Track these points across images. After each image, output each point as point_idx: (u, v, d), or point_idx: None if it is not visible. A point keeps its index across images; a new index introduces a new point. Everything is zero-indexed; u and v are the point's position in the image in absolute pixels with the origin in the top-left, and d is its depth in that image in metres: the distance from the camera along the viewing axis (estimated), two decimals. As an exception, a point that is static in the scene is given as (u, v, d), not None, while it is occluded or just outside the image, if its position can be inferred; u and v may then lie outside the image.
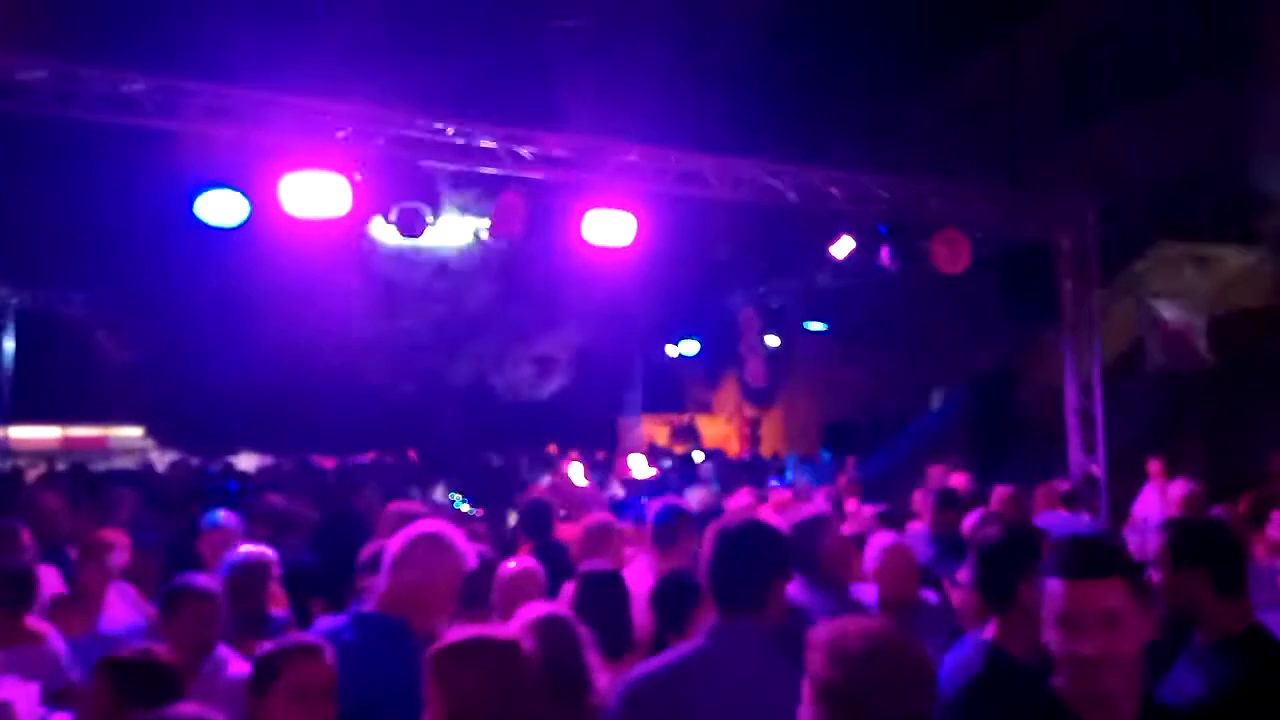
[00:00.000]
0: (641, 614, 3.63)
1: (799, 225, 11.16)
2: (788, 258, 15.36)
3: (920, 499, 6.76)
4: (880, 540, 4.37)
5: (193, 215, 7.60)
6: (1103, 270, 10.83)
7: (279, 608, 4.38)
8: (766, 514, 5.92)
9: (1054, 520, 7.10)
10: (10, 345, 16.15)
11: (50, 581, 4.46)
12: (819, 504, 8.19)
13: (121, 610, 4.48)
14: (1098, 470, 10.02)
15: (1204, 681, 2.67)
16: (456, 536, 3.08)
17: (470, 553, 3.13)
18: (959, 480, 8.41)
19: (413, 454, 15.90)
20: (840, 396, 19.94)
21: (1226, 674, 2.65)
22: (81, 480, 10.15)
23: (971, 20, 16.02)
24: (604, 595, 3.50)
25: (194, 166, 7.46)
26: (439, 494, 11.37)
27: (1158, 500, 8.20)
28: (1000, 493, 6.44)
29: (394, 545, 3.00)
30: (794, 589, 3.66)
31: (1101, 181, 13.01)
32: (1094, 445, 10.27)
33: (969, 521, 5.15)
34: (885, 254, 9.91)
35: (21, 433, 18.19)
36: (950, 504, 5.87)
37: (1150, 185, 14.96)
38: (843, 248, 10.12)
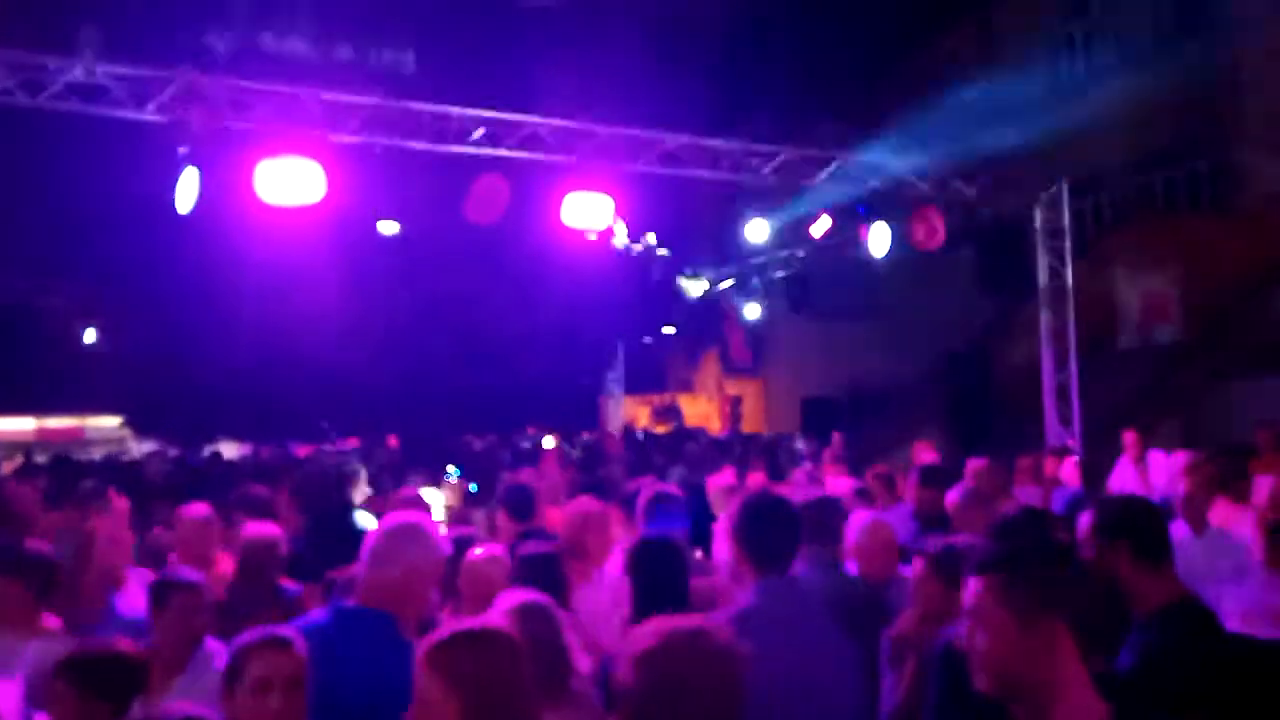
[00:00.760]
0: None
1: (777, 204, 11.18)
2: (765, 236, 15.39)
3: (872, 479, 6.76)
4: (860, 518, 4.42)
5: (168, 205, 7.53)
6: (1078, 244, 10.93)
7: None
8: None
9: (1030, 494, 7.20)
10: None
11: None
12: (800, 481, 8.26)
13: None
14: (1074, 443, 10.16)
15: (1133, 654, 2.73)
16: (432, 526, 3.11)
17: (445, 541, 3.17)
18: (932, 456, 8.47)
19: (393, 440, 15.86)
20: (819, 374, 20.05)
21: (1152, 645, 2.71)
22: (65, 471, 10.05)
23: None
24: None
25: (169, 156, 7.39)
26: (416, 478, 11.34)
27: (1133, 472, 8.31)
28: (974, 465, 6.48)
29: (370, 539, 3.02)
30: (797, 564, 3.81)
31: (1076, 155, 13.09)
32: (1070, 419, 10.40)
33: (950, 498, 5.21)
34: (864, 233, 9.96)
35: (-4, 424, 18.03)
36: (931, 480, 5.93)
37: (1125, 158, 15.07)
38: (820, 226, 10.17)
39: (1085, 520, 2.98)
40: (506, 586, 3.32)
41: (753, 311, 15.12)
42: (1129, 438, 8.48)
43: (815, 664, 2.83)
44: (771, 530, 2.98)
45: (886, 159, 9.89)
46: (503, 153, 8.48)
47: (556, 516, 5.60)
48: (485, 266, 18.04)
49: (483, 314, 20.19)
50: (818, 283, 13.79)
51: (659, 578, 3.33)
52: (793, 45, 16.07)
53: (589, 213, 8.45)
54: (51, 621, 3.85)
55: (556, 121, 8.63)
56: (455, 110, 8.25)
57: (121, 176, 10.70)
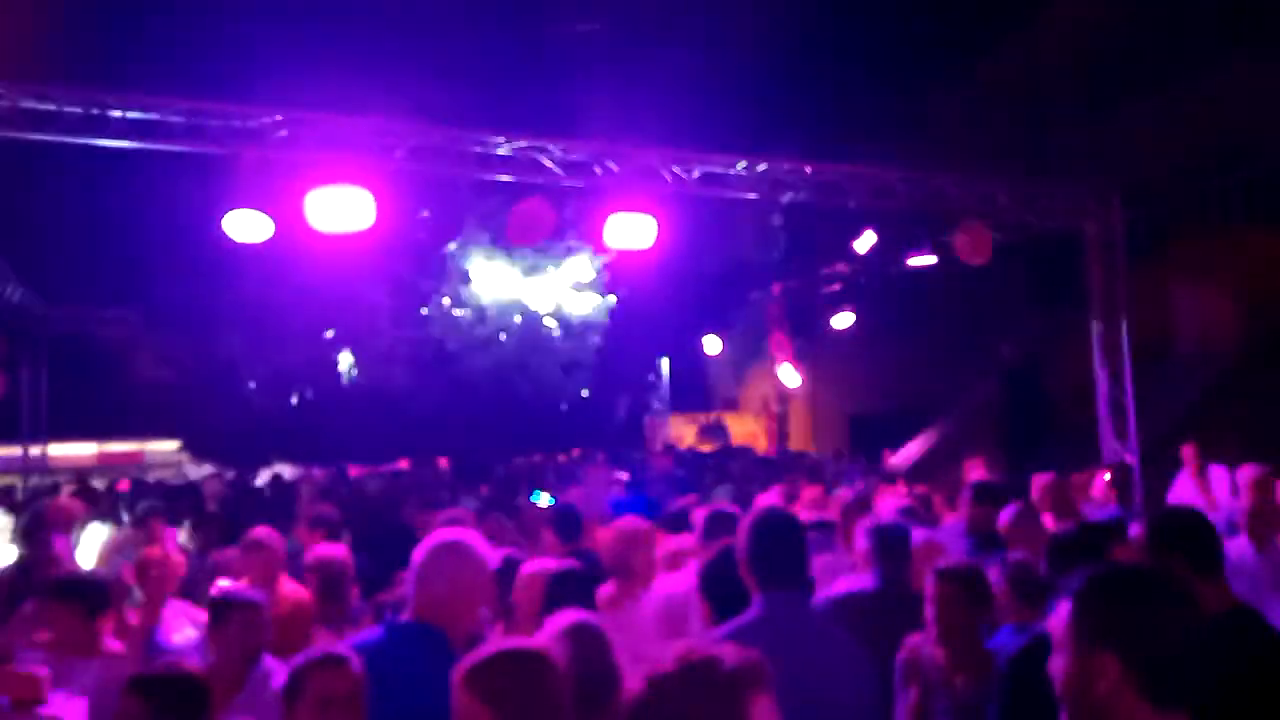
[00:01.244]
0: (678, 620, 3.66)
1: (822, 220, 11.16)
2: (811, 253, 15.34)
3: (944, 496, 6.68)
4: (913, 537, 4.37)
5: (221, 234, 7.73)
6: (1131, 255, 10.73)
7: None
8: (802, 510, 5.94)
9: (1089, 511, 7.05)
10: (46, 368, 16.47)
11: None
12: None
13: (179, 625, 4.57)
14: (1131, 458, 9.93)
15: None
16: (478, 542, 3.13)
17: (493, 557, 3.19)
18: (983, 474, 8.33)
19: (443, 462, 16.01)
20: (867, 391, 19.85)
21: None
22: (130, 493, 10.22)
23: (990, 7, 15.90)
24: None
25: (221, 187, 7.59)
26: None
27: (1193, 487, 8.10)
28: (1040, 481, 6.35)
29: (419, 556, 3.05)
30: (865, 579, 3.82)
31: (1128, 165, 12.87)
32: (1126, 433, 10.17)
33: (1005, 516, 5.12)
34: (911, 248, 9.89)
35: (59, 450, 18.52)
36: (984, 498, 5.84)
37: (1178, 167, 14.77)
38: (865, 242, 10.11)
39: (1137, 532, 2.97)
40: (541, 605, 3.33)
41: (799, 336, 15.03)
42: (1188, 452, 8.28)
43: (824, 677, 2.80)
44: (775, 546, 2.97)
45: (931, 174, 9.82)
46: (546, 176, 8.57)
47: (604, 536, 5.61)
48: (530, 289, 18.21)
49: (528, 336, 20.35)
50: (864, 298, 13.70)
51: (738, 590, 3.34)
52: (833, 62, 16.05)
53: (631, 233, 8.49)
54: (111, 643, 3.94)
55: (598, 144, 8.71)
56: (499, 135, 8.36)
57: (177, 209, 11.01)
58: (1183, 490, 8.18)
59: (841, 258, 12.10)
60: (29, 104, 7.30)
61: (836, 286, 13.54)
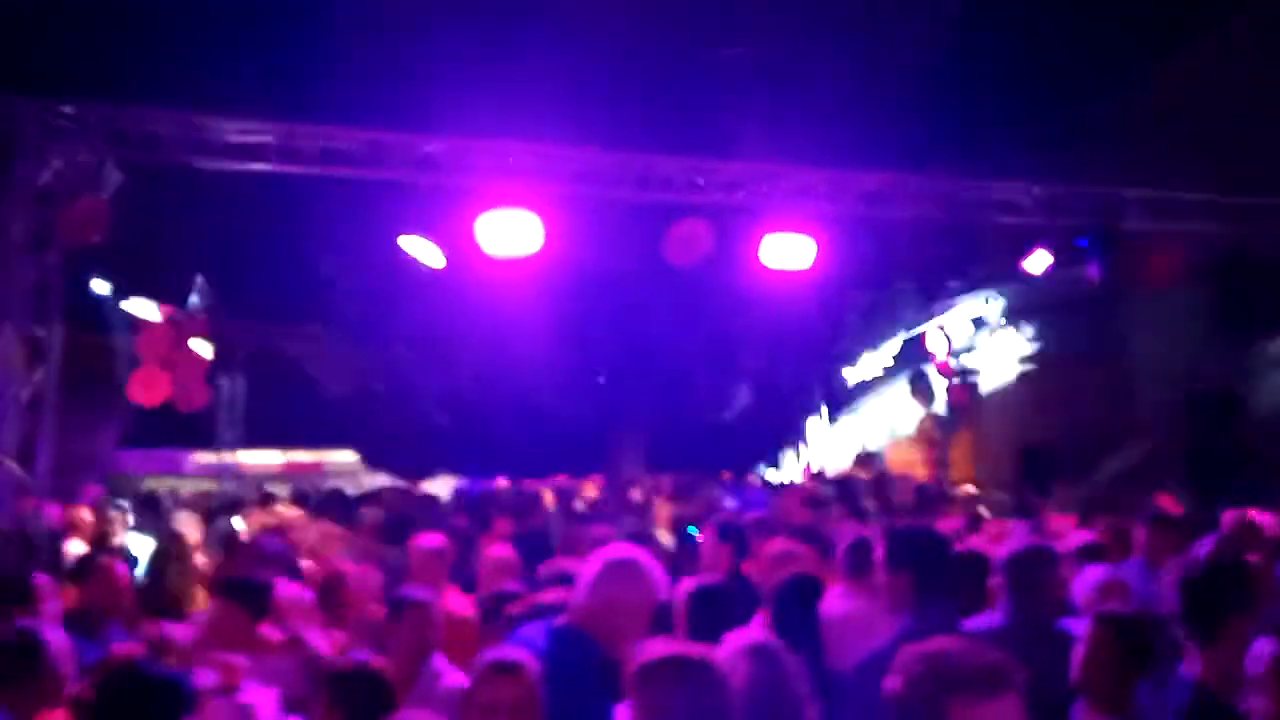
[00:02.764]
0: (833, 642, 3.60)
1: (990, 240, 10.73)
2: (979, 274, 14.76)
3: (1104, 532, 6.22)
4: (1093, 574, 4.13)
5: (398, 255, 8.20)
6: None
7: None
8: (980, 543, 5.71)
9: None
10: (243, 381, 17.93)
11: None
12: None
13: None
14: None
15: None
16: (651, 564, 3.13)
17: (664, 582, 3.17)
18: (1172, 509, 7.75)
19: (597, 479, 16.32)
20: (1037, 420, 18.85)
21: None
22: (335, 502, 10.72)
23: (1173, 15, 14.90)
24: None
25: (398, 211, 8.05)
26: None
27: None
28: (1232, 518, 5.84)
29: (590, 567, 3.11)
30: (996, 614, 3.63)
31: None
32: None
33: (1196, 553, 4.77)
34: (1090, 268, 9.38)
35: (249, 458, 19.99)
36: (1169, 534, 5.44)
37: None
38: (1038, 262, 9.66)
39: None
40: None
41: (965, 360, 14.49)
42: None
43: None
44: (927, 559, 3.05)
45: (1110, 189, 9.30)
46: (704, 196, 8.65)
47: (760, 559, 5.56)
48: (688, 310, 18.33)
49: (684, 356, 20.48)
50: (1034, 322, 13.07)
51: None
52: (996, 76, 15.45)
53: (789, 254, 8.44)
54: (273, 641, 4.19)
55: (756, 165, 8.73)
56: (659, 158, 8.52)
57: (358, 231, 11.72)
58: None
59: (1010, 278, 11.58)
60: (233, 137, 7.99)
61: (1001, 308, 12.96)
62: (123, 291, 12.42)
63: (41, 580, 4.28)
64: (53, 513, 7.83)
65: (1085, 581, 4.02)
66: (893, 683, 1.75)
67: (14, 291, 8.01)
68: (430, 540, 5.21)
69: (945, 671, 1.67)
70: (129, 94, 8.74)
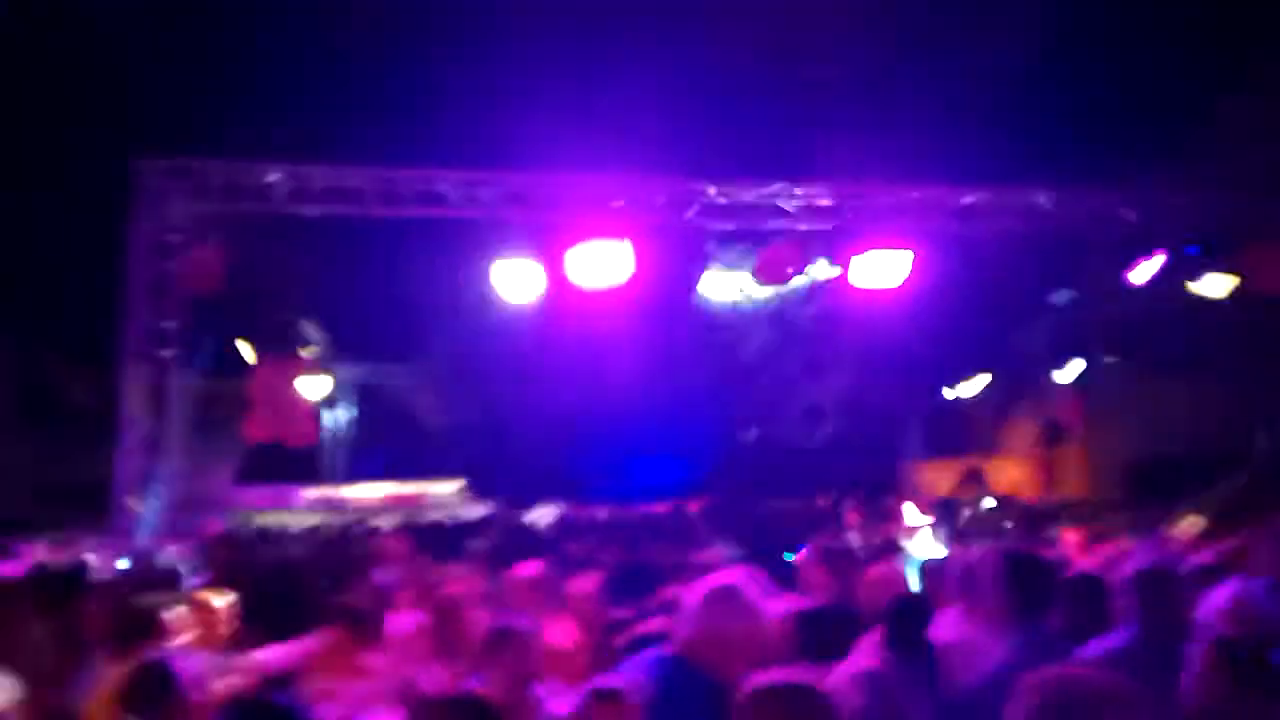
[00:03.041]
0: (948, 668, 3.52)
1: (1095, 250, 10.37)
2: (1084, 284, 14.27)
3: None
4: (1219, 595, 3.93)
5: (492, 291, 8.41)
6: None
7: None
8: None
9: None
10: (348, 416, 18.59)
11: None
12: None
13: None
14: None
15: None
16: (754, 591, 3.10)
17: (770, 608, 3.13)
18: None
19: (694, 506, 16.27)
20: (1150, 435, 18.03)
21: None
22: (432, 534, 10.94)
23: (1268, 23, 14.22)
24: None
25: (493, 247, 8.27)
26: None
27: None
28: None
29: (693, 595, 3.10)
30: (1119, 636, 3.51)
31: None
32: None
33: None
34: (1202, 275, 9.00)
35: (354, 491, 20.63)
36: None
37: None
38: (1147, 269, 9.31)
39: None
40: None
41: (1073, 369, 13.99)
42: None
43: None
44: (1033, 580, 3.03)
45: (1220, 197, 8.92)
46: (791, 219, 8.63)
47: (867, 581, 5.46)
48: (780, 332, 18.23)
49: (778, 379, 20.35)
50: (1145, 332, 12.55)
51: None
52: (1095, 83, 14.98)
53: (880, 273, 8.34)
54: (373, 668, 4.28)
55: (847, 185, 8.67)
56: (744, 183, 8.54)
57: (454, 269, 12.05)
58: None
59: (1118, 287, 11.16)
60: (333, 183, 8.35)
61: (1112, 318, 12.48)
62: (235, 336, 13.04)
63: (168, 615, 4.48)
64: (177, 549, 8.21)
65: (1210, 602, 3.82)
66: (1016, 710, 1.73)
67: (136, 338, 8.51)
68: (526, 569, 5.24)
69: (1074, 698, 1.64)
70: (236, 148, 9.24)
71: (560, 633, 4.89)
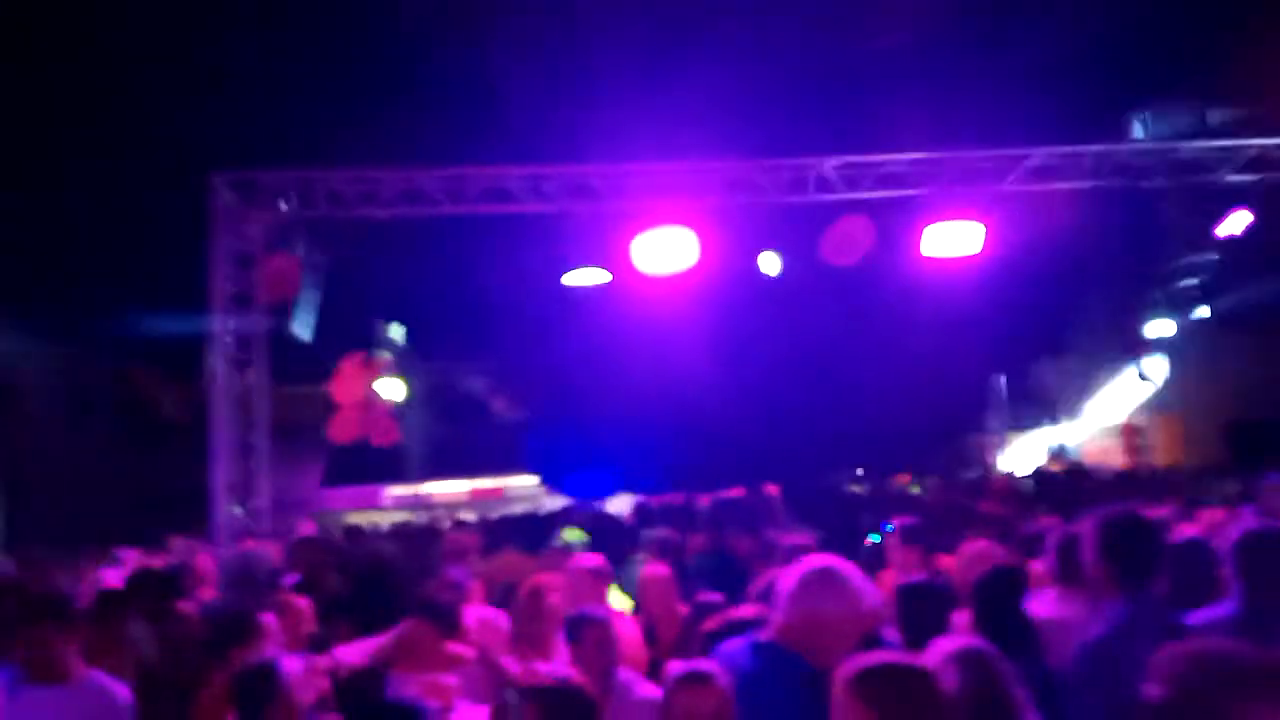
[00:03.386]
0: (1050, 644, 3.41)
1: (1182, 205, 9.94)
2: (1172, 242, 13.72)
3: None
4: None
5: (562, 284, 8.44)
6: None
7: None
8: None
9: None
10: (428, 415, 18.96)
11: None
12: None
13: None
14: None
15: None
16: (853, 574, 3.03)
17: (868, 589, 3.06)
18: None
19: (772, 488, 16.14)
20: (1248, 395, 17.27)
21: None
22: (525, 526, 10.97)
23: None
24: None
25: (561, 240, 8.30)
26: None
27: None
28: None
29: (788, 579, 3.04)
30: (1226, 605, 3.37)
31: None
32: None
33: None
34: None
35: (437, 488, 21.02)
36: None
37: None
38: (1236, 223, 8.89)
39: None
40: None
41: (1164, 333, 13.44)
42: None
43: None
44: (1137, 546, 2.88)
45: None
46: (862, 194, 8.46)
47: (947, 559, 5.35)
48: (850, 309, 17.97)
49: (851, 357, 20.08)
50: (1241, 290, 12.01)
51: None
52: (1166, 30, 14.34)
53: (955, 241, 8.13)
54: (469, 652, 4.32)
55: (914, 155, 8.46)
56: (812, 158, 8.40)
57: (523, 266, 12.15)
58: None
59: (1207, 243, 10.69)
60: (403, 185, 8.46)
61: (1199, 276, 11.97)
62: (316, 341, 13.39)
63: (266, 617, 4.59)
64: (271, 550, 8.43)
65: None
66: (1156, 688, 1.65)
67: (222, 347, 8.77)
68: (588, 560, 5.24)
69: (1227, 675, 1.56)
70: (310, 157, 9.44)
71: (624, 622, 4.89)
